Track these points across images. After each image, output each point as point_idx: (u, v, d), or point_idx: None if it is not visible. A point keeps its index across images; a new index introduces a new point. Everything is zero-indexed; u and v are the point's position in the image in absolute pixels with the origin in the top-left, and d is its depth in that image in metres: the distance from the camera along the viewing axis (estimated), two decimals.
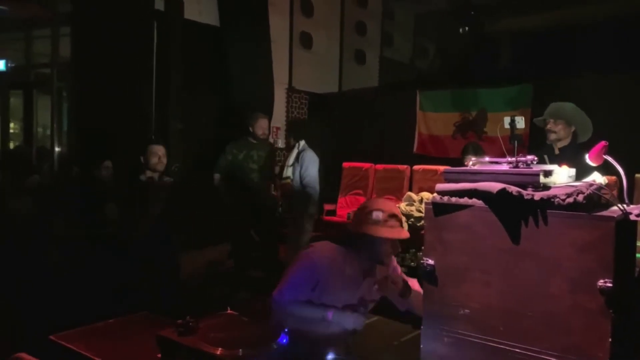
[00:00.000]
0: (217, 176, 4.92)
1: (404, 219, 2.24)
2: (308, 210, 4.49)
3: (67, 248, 3.83)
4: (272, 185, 5.02)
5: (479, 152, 4.09)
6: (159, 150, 3.79)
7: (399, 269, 2.43)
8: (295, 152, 4.56)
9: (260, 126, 4.87)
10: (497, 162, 1.92)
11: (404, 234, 2.17)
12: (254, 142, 4.90)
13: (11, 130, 7.67)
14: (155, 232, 3.66)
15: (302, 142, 4.59)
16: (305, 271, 2.13)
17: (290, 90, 6.98)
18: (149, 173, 3.78)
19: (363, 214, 2.16)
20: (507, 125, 2.08)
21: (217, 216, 4.99)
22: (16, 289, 3.41)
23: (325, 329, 2.08)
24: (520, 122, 2.08)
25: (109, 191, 4.45)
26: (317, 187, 4.49)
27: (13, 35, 7.45)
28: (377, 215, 2.11)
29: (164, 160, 3.80)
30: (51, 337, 2.08)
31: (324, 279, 2.10)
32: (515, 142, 2.00)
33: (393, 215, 2.14)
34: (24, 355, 1.78)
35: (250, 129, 4.88)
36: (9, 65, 6.72)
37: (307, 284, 2.10)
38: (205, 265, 4.77)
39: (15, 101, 7.39)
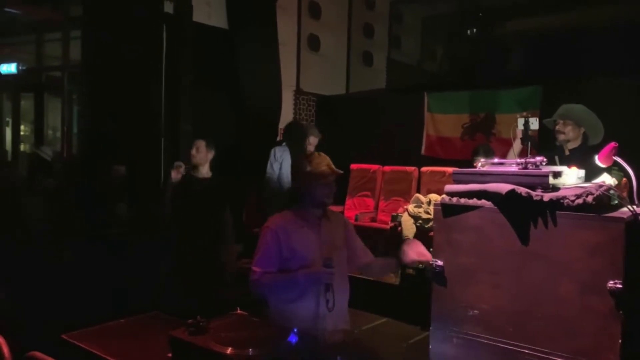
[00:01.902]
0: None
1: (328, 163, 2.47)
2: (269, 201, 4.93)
3: (78, 247, 3.87)
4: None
5: (489, 154, 4.09)
6: (195, 143, 3.94)
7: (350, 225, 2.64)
8: None
9: (309, 141, 5.20)
10: (505, 163, 1.92)
11: (329, 173, 2.39)
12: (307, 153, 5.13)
13: (22, 133, 7.75)
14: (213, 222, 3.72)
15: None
16: (265, 238, 2.33)
17: (298, 92, 7.00)
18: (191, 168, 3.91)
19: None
20: (521, 127, 2.09)
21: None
22: (29, 288, 3.44)
23: (302, 294, 2.25)
24: (535, 124, 2.09)
25: (118, 192, 4.49)
26: (270, 182, 4.97)
27: (24, 38, 7.53)
28: (309, 165, 2.40)
29: (197, 155, 3.89)
30: (63, 336, 2.10)
31: (284, 235, 2.30)
32: (529, 142, 2.01)
33: (319, 162, 2.40)
34: (37, 353, 1.81)
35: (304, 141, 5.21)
36: (20, 68, 6.79)
37: (273, 250, 2.30)
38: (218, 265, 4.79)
39: (26, 104, 7.47)
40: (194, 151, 3.90)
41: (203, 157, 3.90)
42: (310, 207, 2.38)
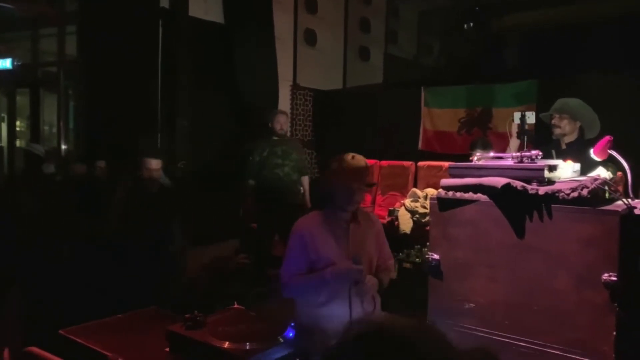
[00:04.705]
0: (250, 182, 4.98)
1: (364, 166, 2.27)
2: None
3: (76, 245, 3.86)
4: (306, 179, 5.09)
5: (487, 147, 4.10)
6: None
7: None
8: None
9: (278, 121, 4.97)
10: (501, 157, 1.93)
11: (357, 181, 2.21)
12: (276, 138, 4.97)
13: (18, 129, 7.71)
14: (159, 230, 3.71)
15: None
16: (293, 240, 2.27)
17: (295, 87, 6.98)
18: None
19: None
20: (517, 121, 2.10)
21: (225, 213, 5.02)
22: (27, 285, 3.44)
23: (331, 297, 2.16)
24: (531, 118, 2.10)
25: (103, 190, 4.47)
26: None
27: (20, 34, 7.49)
28: (335, 165, 2.25)
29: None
30: (61, 331, 2.10)
31: (310, 236, 2.23)
32: (525, 137, 2.02)
33: (349, 165, 2.22)
34: (35, 349, 1.81)
35: (270, 125, 4.98)
36: (15, 63, 6.75)
37: (300, 252, 2.23)
38: (213, 261, 4.81)
39: (22, 99, 7.44)
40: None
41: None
42: (336, 210, 2.27)
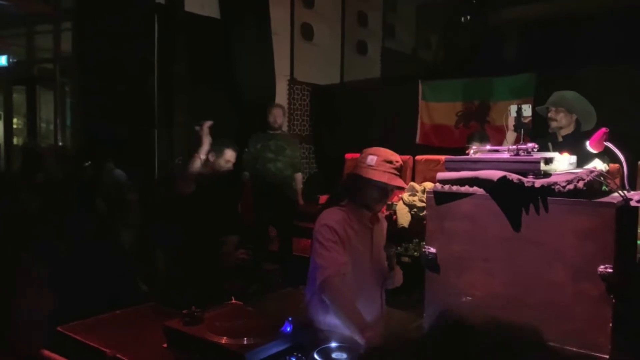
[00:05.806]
0: (245, 174, 4.97)
1: (399, 165, 2.20)
2: None
3: (73, 243, 3.86)
4: (299, 176, 5.10)
5: (484, 140, 4.12)
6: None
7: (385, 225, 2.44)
8: None
9: (273, 114, 4.99)
10: (497, 150, 1.92)
11: (396, 181, 2.13)
12: (272, 132, 4.98)
13: (14, 126, 7.69)
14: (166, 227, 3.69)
15: None
16: (327, 231, 2.09)
17: (292, 82, 6.97)
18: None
19: (359, 159, 2.18)
20: (514, 114, 2.09)
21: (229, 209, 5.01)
22: (26, 283, 3.44)
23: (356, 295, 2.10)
24: (527, 110, 2.09)
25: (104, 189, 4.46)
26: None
27: (15, 31, 7.46)
28: (372, 159, 2.12)
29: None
30: (59, 328, 2.10)
31: (341, 232, 2.10)
32: (522, 130, 2.01)
33: (388, 161, 2.13)
34: (46, 352, 1.81)
35: (266, 119, 5.04)
36: (11, 60, 6.73)
37: (339, 242, 2.08)
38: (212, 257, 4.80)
39: (18, 97, 7.41)
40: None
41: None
42: (360, 208, 2.17)
